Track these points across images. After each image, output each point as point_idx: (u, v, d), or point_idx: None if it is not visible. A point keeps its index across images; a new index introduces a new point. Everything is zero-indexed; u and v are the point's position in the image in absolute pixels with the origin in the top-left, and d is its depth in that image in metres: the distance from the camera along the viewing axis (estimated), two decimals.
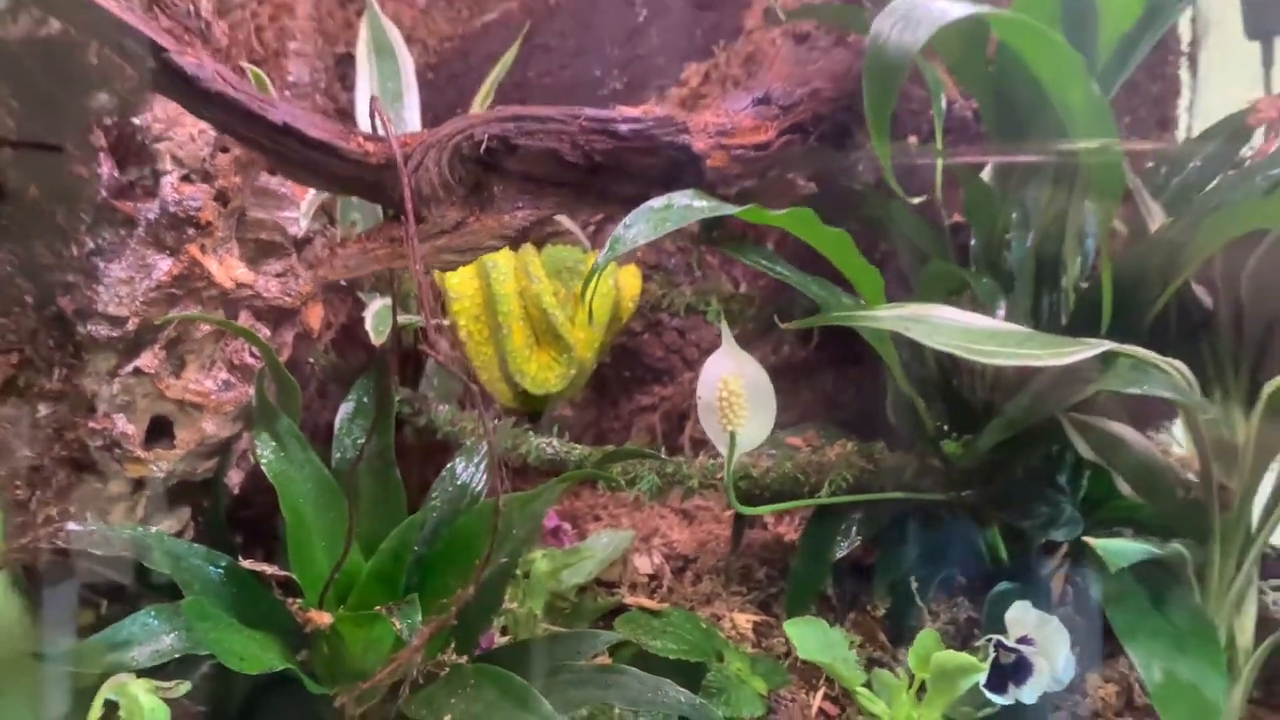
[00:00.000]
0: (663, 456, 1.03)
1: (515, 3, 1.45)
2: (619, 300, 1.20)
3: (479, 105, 1.21)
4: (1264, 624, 0.93)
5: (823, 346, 1.28)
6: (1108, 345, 0.76)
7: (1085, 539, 0.77)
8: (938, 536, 1.07)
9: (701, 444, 1.39)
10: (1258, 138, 1.01)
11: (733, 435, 0.80)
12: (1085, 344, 0.77)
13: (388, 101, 1.22)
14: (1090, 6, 0.88)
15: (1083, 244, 0.98)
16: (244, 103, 0.65)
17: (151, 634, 0.73)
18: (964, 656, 0.83)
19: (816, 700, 1.02)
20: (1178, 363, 0.80)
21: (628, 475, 1.07)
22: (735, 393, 0.79)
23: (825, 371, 1.27)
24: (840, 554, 1.06)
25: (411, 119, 1.24)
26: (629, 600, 1.04)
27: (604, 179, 0.74)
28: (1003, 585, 0.97)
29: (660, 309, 1.30)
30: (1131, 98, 1.31)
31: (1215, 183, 0.94)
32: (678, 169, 0.77)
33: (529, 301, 1.14)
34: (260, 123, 0.66)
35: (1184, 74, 1.38)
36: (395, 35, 1.27)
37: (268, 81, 0.99)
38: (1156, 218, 0.96)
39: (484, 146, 0.68)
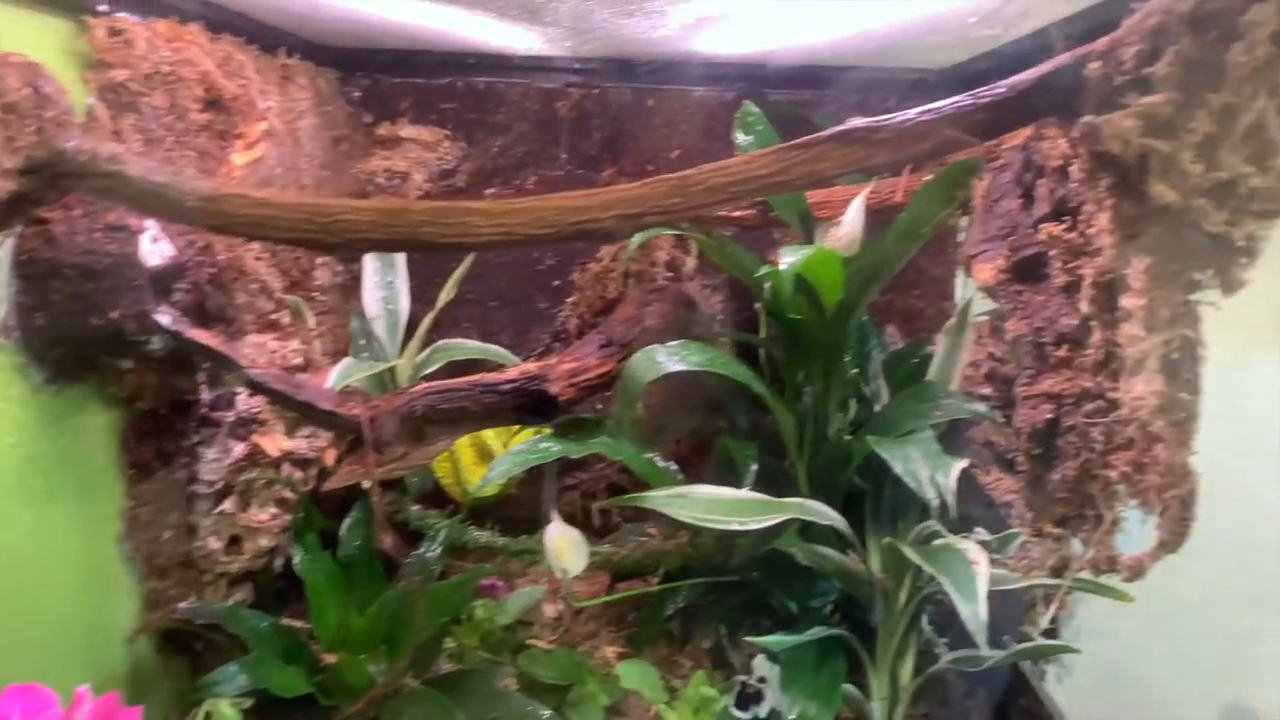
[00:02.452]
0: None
1: None
2: (540, 432, 1.74)
3: (445, 295, 1.73)
4: (929, 657, 1.47)
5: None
6: (789, 514, 1.30)
7: (748, 638, 1.31)
8: (738, 600, 1.61)
9: (606, 514, 1.95)
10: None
11: (564, 571, 1.35)
12: (781, 511, 1.30)
13: (383, 280, 1.76)
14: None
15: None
16: (283, 391, 1.20)
17: (232, 677, 1.29)
18: (710, 692, 1.38)
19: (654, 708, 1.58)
20: (839, 519, 1.33)
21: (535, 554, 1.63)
22: (562, 546, 1.33)
23: None
24: (675, 609, 1.61)
25: (402, 290, 1.78)
26: (531, 641, 1.60)
27: (493, 418, 1.28)
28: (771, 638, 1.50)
29: None
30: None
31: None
32: (541, 404, 1.31)
33: (475, 436, 1.68)
34: (291, 401, 1.21)
35: None
36: None
37: (303, 306, 1.53)
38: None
39: (419, 413, 1.23)
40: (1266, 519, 1.11)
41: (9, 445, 1.10)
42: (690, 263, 1.87)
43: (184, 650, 1.42)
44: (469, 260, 1.71)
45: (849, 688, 1.36)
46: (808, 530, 1.43)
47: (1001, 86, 0.92)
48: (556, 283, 1.89)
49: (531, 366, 1.32)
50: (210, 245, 1.28)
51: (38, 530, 1.16)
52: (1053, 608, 1.20)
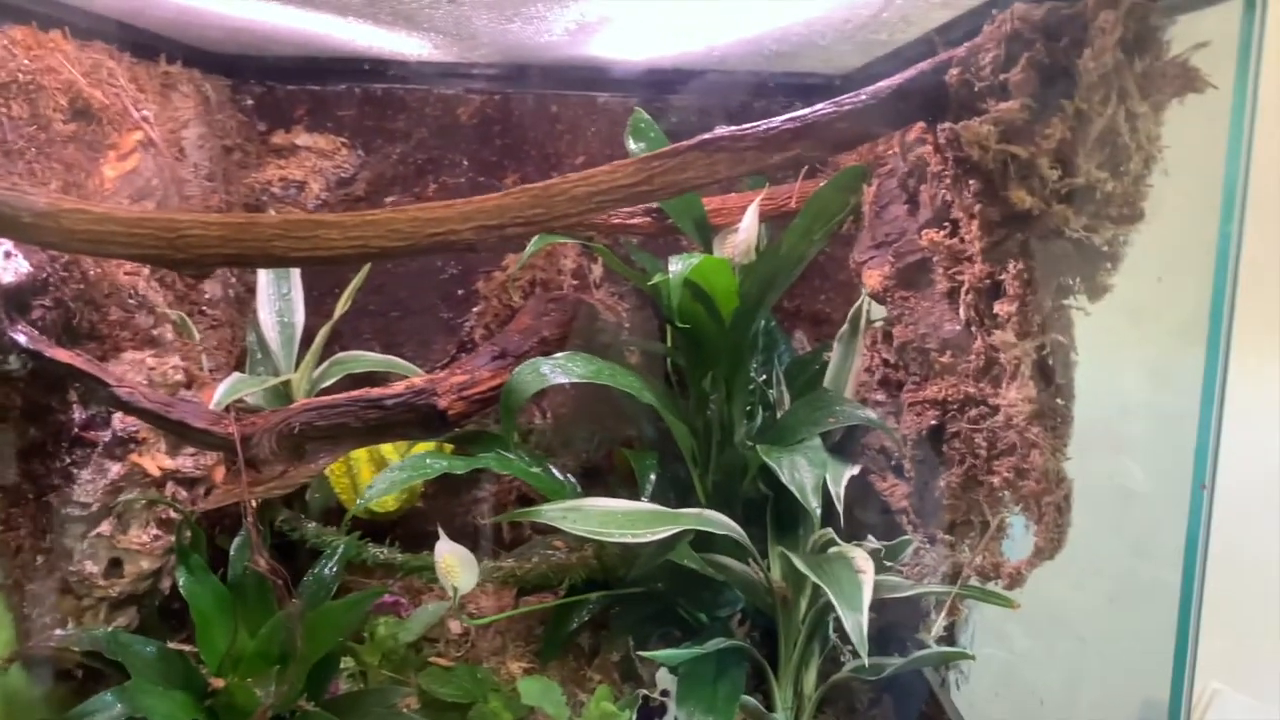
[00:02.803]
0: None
1: None
2: (442, 446, 1.70)
3: (341, 306, 1.69)
4: (834, 664, 1.46)
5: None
6: (685, 525, 1.28)
7: (640, 652, 1.30)
8: (645, 612, 1.60)
9: (517, 526, 1.92)
10: None
11: (454, 588, 1.32)
12: (675, 522, 1.29)
13: (279, 295, 1.71)
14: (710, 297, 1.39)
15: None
16: (154, 410, 1.16)
17: (108, 706, 1.24)
18: (611, 707, 1.36)
19: None
20: (737, 529, 1.32)
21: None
22: (451, 564, 1.30)
23: None
24: (581, 623, 1.59)
25: (297, 304, 1.73)
26: (434, 659, 1.57)
27: (380, 434, 1.25)
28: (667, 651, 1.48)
29: None
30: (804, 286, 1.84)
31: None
32: (429, 418, 1.28)
33: (372, 449, 1.64)
34: (164, 420, 1.16)
35: None
36: None
37: (188, 321, 1.48)
38: None
39: (296, 430, 1.19)
40: (1154, 520, 1.12)
41: None
42: (597, 270, 1.85)
43: (64, 678, 1.36)
44: (364, 271, 1.67)
45: (749, 700, 1.35)
46: (710, 541, 1.42)
47: (864, 94, 0.91)
48: (460, 292, 1.86)
49: (418, 380, 1.29)
50: (77, 260, 1.23)
51: None
52: (943, 614, 1.20)
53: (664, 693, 1.41)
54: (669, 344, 1.69)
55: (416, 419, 1.27)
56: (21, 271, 1.09)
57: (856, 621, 1.05)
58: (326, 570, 1.54)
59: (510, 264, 1.84)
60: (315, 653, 1.39)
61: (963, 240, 1.15)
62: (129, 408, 1.15)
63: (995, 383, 1.10)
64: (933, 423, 1.18)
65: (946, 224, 1.18)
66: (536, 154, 1.84)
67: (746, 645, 1.36)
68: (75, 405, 1.30)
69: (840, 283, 1.92)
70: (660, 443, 1.61)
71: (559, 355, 1.28)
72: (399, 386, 1.27)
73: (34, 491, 1.30)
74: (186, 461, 1.43)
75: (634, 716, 1.39)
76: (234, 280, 1.73)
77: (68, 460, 1.30)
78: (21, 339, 1.09)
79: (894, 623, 1.36)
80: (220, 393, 1.46)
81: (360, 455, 1.64)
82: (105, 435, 1.32)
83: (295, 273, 1.73)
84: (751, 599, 1.44)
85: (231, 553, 1.46)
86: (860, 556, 1.17)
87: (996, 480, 1.11)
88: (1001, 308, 1.02)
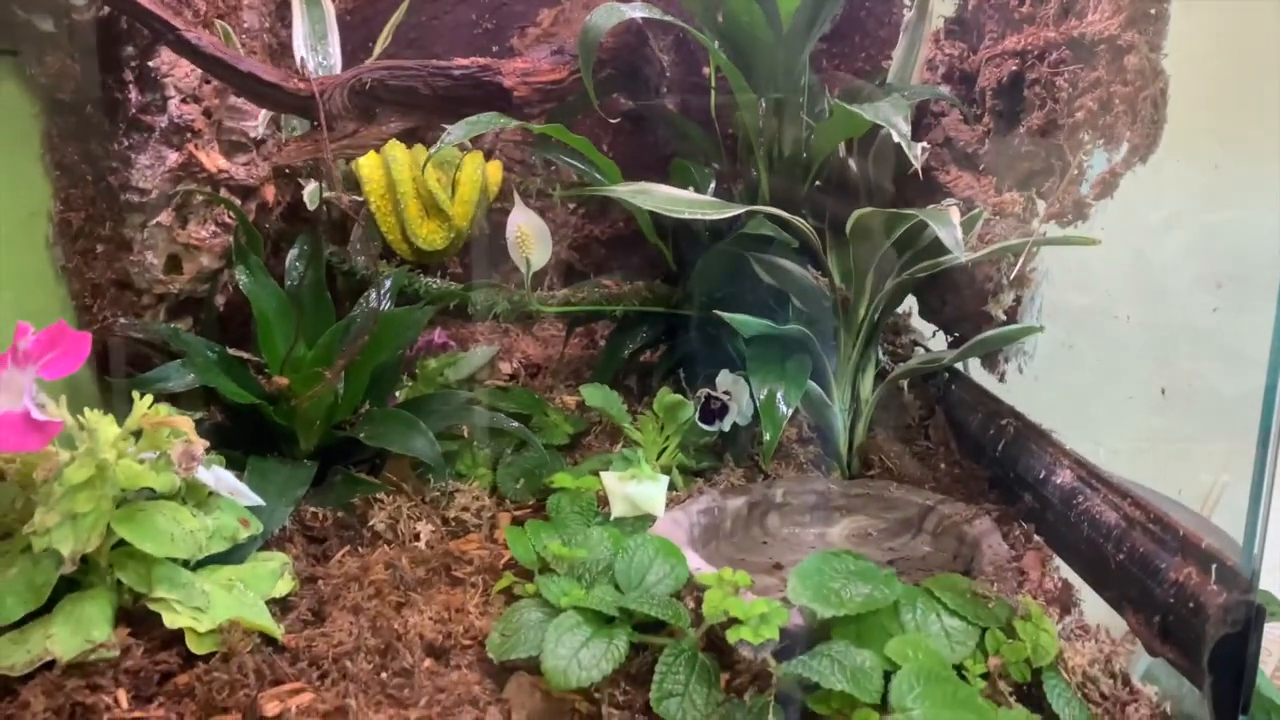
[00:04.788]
0: (511, 289, 1.55)
1: None
2: (485, 185, 1.68)
3: (381, 43, 1.66)
4: (884, 376, 1.48)
5: (631, 223, 1.79)
6: (751, 208, 1.28)
7: (716, 311, 1.30)
8: (696, 341, 1.60)
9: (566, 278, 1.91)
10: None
11: (527, 259, 1.31)
12: (738, 206, 1.28)
13: (315, 40, 1.68)
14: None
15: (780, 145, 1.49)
16: (224, 59, 1.13)
17: (180, 373, 1.23)
18: (677, 397, 1.37)
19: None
20: (803, 224, 1.31)
21: (489, 303, 1.58)
22: (525, 234, 1.29)
23: (631, 240, 1.79)
24: (629, 351, 1.59)
25: (334, 52, 1.70)
26: (489, 382, 1.57)
27: (447, 104, 1.22)
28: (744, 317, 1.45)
29: (520, 192, 1.79)
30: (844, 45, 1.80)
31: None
32: (494, 97, 1.26)
33: (419, 185, 1.62)
34: (233, 71, 1.13)
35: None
36: None
37: (231, 32, 1.45)
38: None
39: (368, 86, 1.16)
40: None
41: None
42: None
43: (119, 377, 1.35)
44: (403, 7, 1.64)
45: (816, 388, 1.36)
46: (768, 246, 1.42)
47: None
48: (495, 48, 1.82)
49: (482, 60, 1.26)
50: None
51: None
52: (1019, 266, 1.20)
53: (725, 393, 1.41)
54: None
55: (482, 95, 1.25)
56: None
57: (950, 233, 1.05)
58: (378, 297, 1.53)
59: (545, 18, 1.81)
60: (378, 357, 1.39)
61: None
62: (199, 53, 1.12)
63: (1080, 15, 1.09)
64: (1012, 70, 1.17)
65: None
66: None
67: (811, 336, 1.36)
68: (132, 85, 1.27)
69: None
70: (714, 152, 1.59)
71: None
72: (465, 61, 1.24)
73: (93, 174, 1.27)
74: (239, 170, 1.41)
75: (697, 413, 1.40)
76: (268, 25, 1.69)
77: (125, 144, 1.27)
78: None
79: (961, 308, 1.37)
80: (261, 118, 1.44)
81: (407, 192, 1.61)
82: (162, 121, 1.29)
83: (330, 15, 1.69)
84: (808, 306, 1.44)
85: (287, 265, 1.44)
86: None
87: (1080, 115, 1.10)
88: None
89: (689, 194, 1.30)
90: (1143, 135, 0.99)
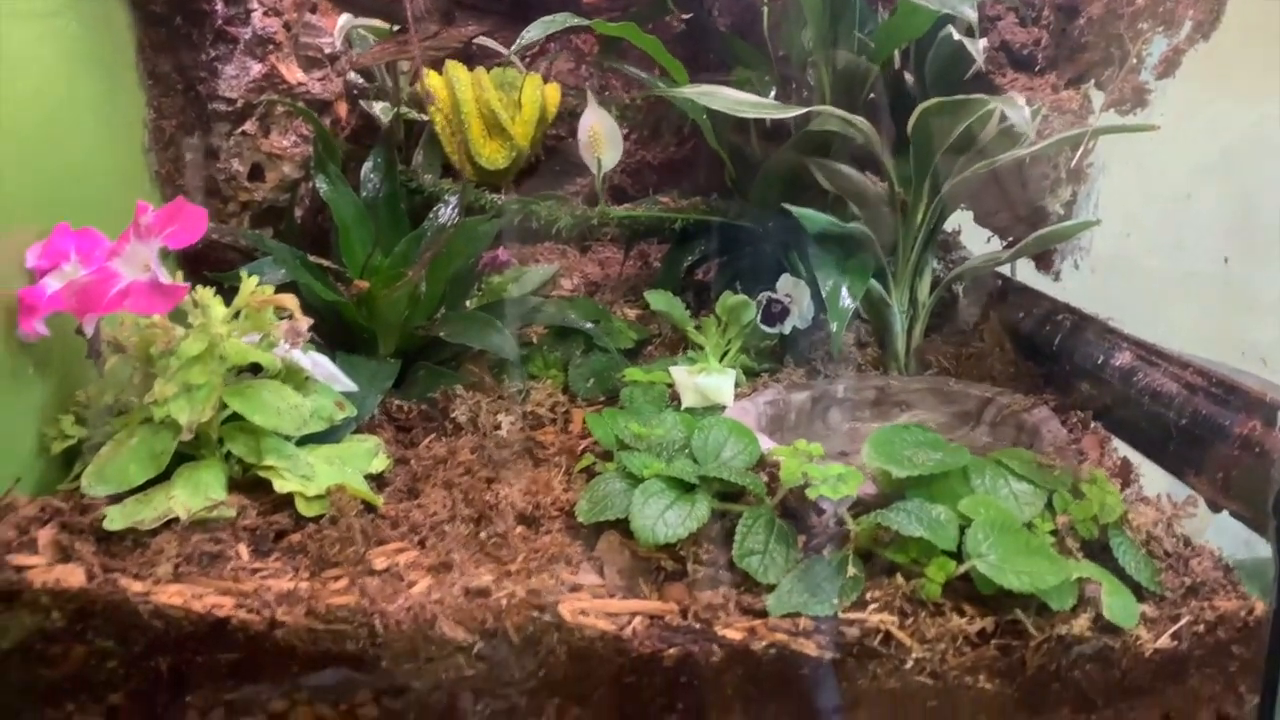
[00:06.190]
0: (574, 204, 1.60)
1: None
2: (544, 106, 1.73)
3: None
4: (938, 283, 1.52)
5: (686, 143, 1.84)
6: (813, 108, 1.31)
7: (787, 205, 1.34)
8: (752, 254, 1.64)
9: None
10: None
11: (598, 160, 1.36)
12: (799, 107, 1.32)
13: None
14: None
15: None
16: None
17: (272, 268, 1.29)
18: (741, 297, 1.42)
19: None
20: (865, 123, 1.35)
21: (551, 218, 1.64)
22: (598, 133, 1.34)
23: (683, 164, 1.83)
24: (688, 264, 1.64)
25: None
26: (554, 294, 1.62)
27: (518, 10, 1.27)
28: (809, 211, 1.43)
29: (577, 116, 1.83)
30: None
31: None
32: (567, 4, 1.30)
33: (482, 105, 1.67)
34: None
35: None
36: None
37: None
38: None
39: None
40: None
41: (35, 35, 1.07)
42: None
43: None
44: None
45: (876, 287, 1.41)
46: (826, 151, 1.46)
47: None
48: None
49: None
50: None
51: (74, 124, 1.14)
52: (1076, 158, 1.24)
53: (786, 296, 1.46)
54: None
55: (554, 1, 1.29)
56: None
57: (1019, 113, 1.09)
58: (446, 213, 1.58)
59: None
60: (452, 264, 1.44)
61: None
62: None
63: None
64: None
65: None
66: None
67: (873, 237, 1.40)
68: None
69: None
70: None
71: None
72: None
73: (183, 84, 1.33)
74: (315, 84, 1.46)
75: (758, 314, 1.45)
76: None
77: (212, 55, 1.33)
78: None
79: (1015, 211, 1.40)
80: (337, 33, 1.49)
81: (471, 112, 1.66)
82: (246, 33, 1.34)
83: None
84: (866, 212, 1.48)
85: (363, 175, 1.50)
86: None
87: (1141, 2, 1.13)
88: None
89: (753, 96, 1.34)
90: (1205, 11, 1.02)
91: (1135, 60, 1.15)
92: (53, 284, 1.00)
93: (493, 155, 1.69)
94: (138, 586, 0.91)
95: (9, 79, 1.02)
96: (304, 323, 1.07)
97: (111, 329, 1.02)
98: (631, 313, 1.68)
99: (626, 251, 1.72)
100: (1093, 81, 1.22)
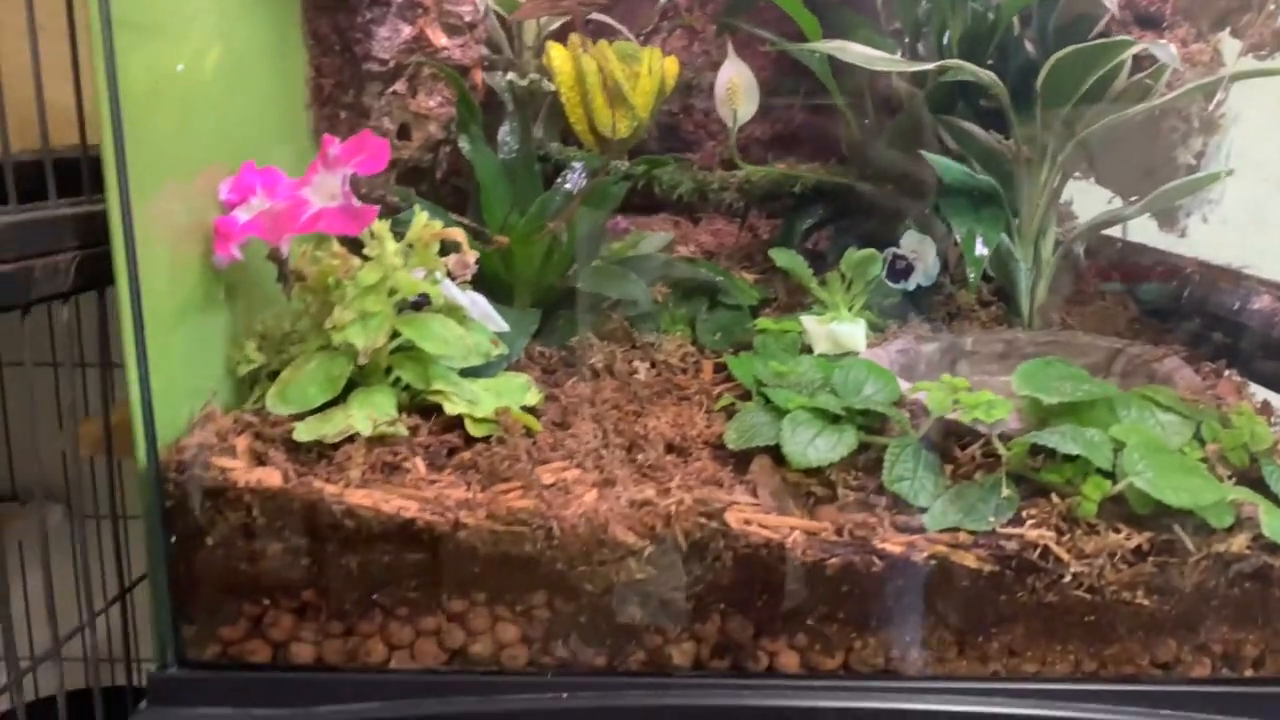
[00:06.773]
0: (696, 168, 1.65)
1: None
2: (664, 78, 1.78)
3: None
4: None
5: (794, 119, 1.88)
6: (945, 61, 1.35)
7: (923, 153, 1.37)
8: (868, 219, 1.67)
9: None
10: None
11: (734, 112, 1.40)
12: (929, 63, 1.36)
13: None
14: None
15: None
16: None
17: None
18: (868, 251, 1.45)
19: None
20: (992, 75, 1.38)
21: (673, 182, 1.69)
22: (736, 85, 1.38)
23: (790, 139, 1.87)
24: (807, 227, 1.68)
25: None
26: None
27: None
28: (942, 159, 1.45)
29: (691, 91, 1.89)
30: None
31: None
32: None
33: (605, 76, 1.73)
34: None
35: None
36: None
37: None
38: None
39: None
40: None
41: None
42: None
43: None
44: None
45: (1005, 240, 1.43)
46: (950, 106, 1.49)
47: None
48: None
49: None
50: None
51: (250, 78, 1.21)
52: (1212, 105, 1.25)
53: (912, 252, 1.49)
54: None
55: None
56: None
57: (1165, 50, 1.11)
58: (573, 178, 1.64)
59: None
60: (586, 222, 1.50)
61: None
62: None
63: None
64: None
65: None
66: None
67: (1001, 191, 1.43)
68: None
69: None
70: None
71: None
72: None
73: (340, 44, 1.40)
74: (456, 50, 1.53)
75: (884, 270, 1.48)
76: None
77: (368, 17, 1.40)
78: None
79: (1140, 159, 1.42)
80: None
81: (594, 83, 1.72)
82: None
83: None
84: (991, 172, 1.50)
85: (500, 137, 1.56)
86: None
87: None
88: None
89: (882, 54, 1.38)
90: None
91: (1273, 7, 1.16)
92: (242, 216, 1.07)
93: (616, 124, 1.75)
94: (330, 488, 0.96)
95: (200, 32, 1.10)
96: (471, 255, 1.13)
97: (294, 260, 1.09)
98: (750, 276, 1.72)
99: (745, 215, 1.77)
100: (1228, 30, 1.23)
